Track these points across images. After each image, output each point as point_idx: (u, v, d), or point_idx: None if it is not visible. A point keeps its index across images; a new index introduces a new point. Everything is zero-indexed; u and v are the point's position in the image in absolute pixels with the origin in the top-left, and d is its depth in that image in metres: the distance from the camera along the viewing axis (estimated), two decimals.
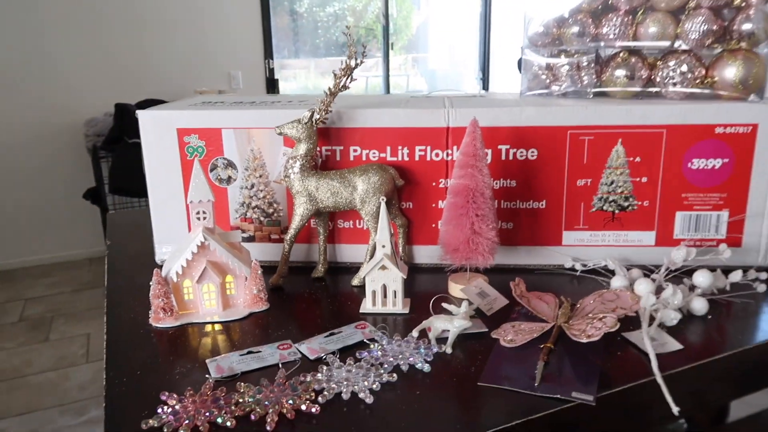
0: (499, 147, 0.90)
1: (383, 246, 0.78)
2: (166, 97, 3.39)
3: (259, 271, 0.81)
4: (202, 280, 0.79)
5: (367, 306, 0.80)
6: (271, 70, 4.10)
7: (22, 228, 3.32)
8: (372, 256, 0.83)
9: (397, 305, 0.80)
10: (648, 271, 0.85)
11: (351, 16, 5.16)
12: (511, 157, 0.90)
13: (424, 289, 0.89)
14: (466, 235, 0.80)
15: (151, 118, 0.93)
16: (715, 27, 0.84)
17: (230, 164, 0.93)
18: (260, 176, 0.94)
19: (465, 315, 0.72)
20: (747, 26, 0.83)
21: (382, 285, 0.80)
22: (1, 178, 3.19)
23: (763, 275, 0.83)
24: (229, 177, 0.94)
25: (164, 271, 0.79)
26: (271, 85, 4.20)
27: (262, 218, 0.96)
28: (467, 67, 5.47)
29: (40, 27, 3.22)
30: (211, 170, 0.94)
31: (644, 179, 0.89)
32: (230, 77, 3.97)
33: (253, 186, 0.94)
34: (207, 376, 0.64)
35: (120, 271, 0.98)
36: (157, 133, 0.93)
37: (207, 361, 0.68)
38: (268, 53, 4.12)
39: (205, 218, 0.79)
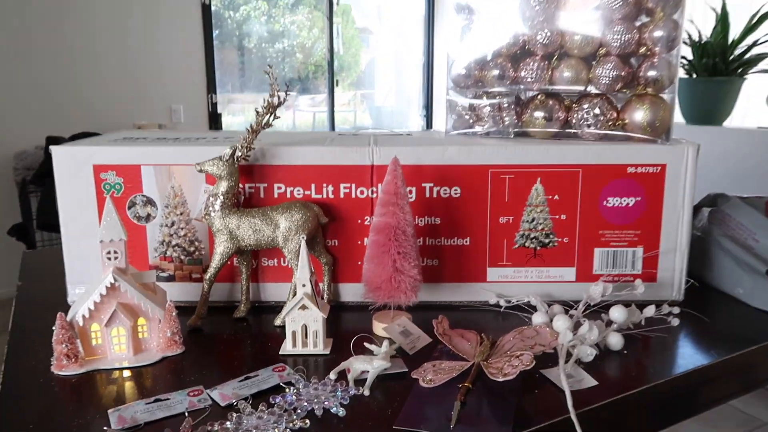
0: (423, 185, 0.90)
1: (303, 285, 0.77)
2: (102, 130, 3.29)
3: (174, 313, 0.78)
4: (111, 323, 0.76)
5: (287, 347, 0.78)
6: (214, 105, 4.06)
7: None
8: (293, 295, 0.81)
9: (318, 346, 0.78)
10: (568, 306, 0.86)
11: (300, 53, 5.21)
12: (435, 195, 0.91)
13: (349, 328, 0.88)
14: (389, 273, 0.80)
15: (65, 154, 0.89)
16: (623, 73, 0.88)
17: (149, 201, 0.91)
18: (181, 214, 0.91)
19: (385, 355, 0.71)
20: (652, 73, 0.88)
21: (302, 325, 0.78)
22: None
23: (675, 309, 0.86)
24: (149, 215, 0.91)
25: (70, 314, 0.75)
26: (214, 120, 4.16)
27: (182, 257, 0.93)
28: (412, 105, 5.59)
29: None
30: (129, 207, 0.91)
31: (563, 216, 0.92)
32: (171, 111, 3.91)
33: (173, 224, 0.91)
34: (105, 429, 0.60)
35: (27, 314, 0.93)
36: (72, 170, 0.89)
37: (109, 411, 0.64)
38: (212, 87, 4.09)
39: (116, 258, 0.76)
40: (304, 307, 0.77)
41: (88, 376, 0.73)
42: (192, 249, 0.92)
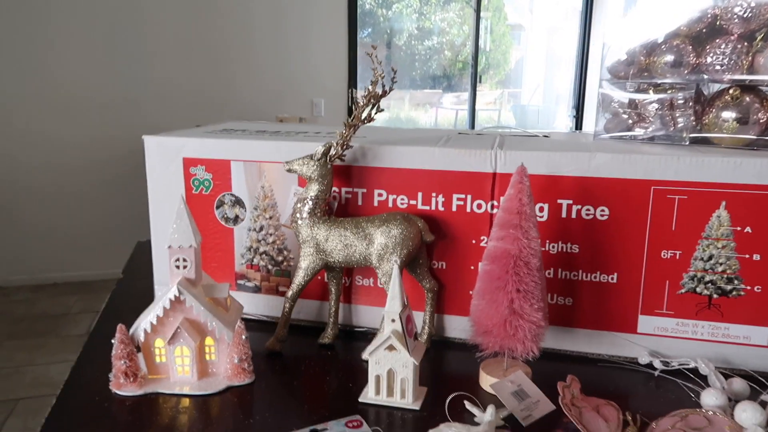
0: (559, 201, 0.71)
1: (393, 320, 0.62)
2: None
3: (244, 336, 0.66)
4: (175, 341, 0.66)
5: (368, 394, 0.63)
6: (353, 99, 4.06)
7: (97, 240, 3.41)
8: None
9: (407, 397, 0.62)
10: (756, 384, 0.62)
11: (449, 50, 5.08)
12: (574, 215, 0.71)
13: (451, 374, 0.71)
14: (503, 315, 0.62)
15: (156, 144, 0.82)
16: None
17: (238, 201, 0.81)
18: (270, 218, 0.80)
19: (489, 427, 0.54)
20: None
21: (388, 370, 0.62)
22: (88, 189, 3.30)
23: None
24: (237, 216, 0.81)
25: (134, 326, 0.66)
26: (351, 114, 4.16)
27: (270, 266, 0.82)
28: (560, 104, 5.21)
29: (127, 51, 3.34)
30: (218, 207, 0.82)
31: (756, 257, 0.67)
32: (312, 104, 3.97)
33: (261, 228, 0.81)
34: None
35: (115, 314, 0.87)
36: (163, 162, 0.82)
37: None
38: (352, 83, 4.09)
39: (185, 267, 0.66)
40: (391, 348, 0.62)
41: (145, 400, 0.64)
42: (280, 258, 0.81)
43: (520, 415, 0.60)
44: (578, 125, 4.87)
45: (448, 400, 0.60)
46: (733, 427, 0.54)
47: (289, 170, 0.73)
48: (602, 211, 0.70)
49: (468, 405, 0.59)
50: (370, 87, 0.69)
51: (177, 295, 0.65)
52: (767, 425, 0.53)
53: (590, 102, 4.74)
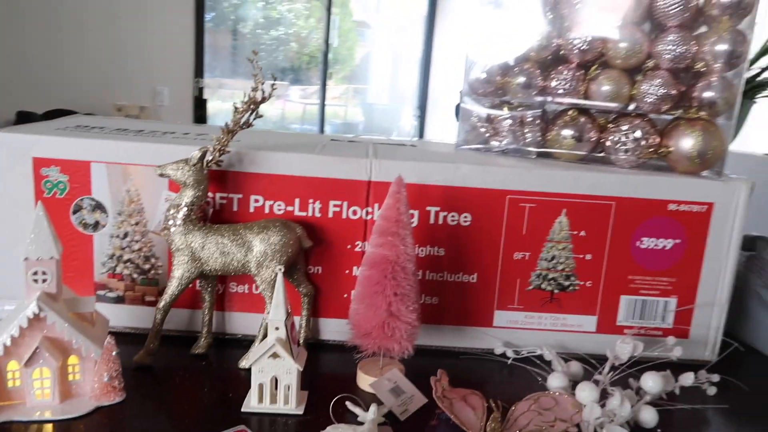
0: (428, 209, 0.76)
1: (277, 328, 0.62)
2: (80, 108, 3.10)
3: (114, 353, 0.63)
4: (33, 362, 0.60)
5: (251, 403, 0.64)
6: (200, 89, 3.88)
7: None
8: (264, 337, 0.67)
9: (291, 403, 0.64)
10: (586, 363, 0.73)
11: (295, 42, 5.05)
12: (441, 221, 0.77)
13: (328, 375, 0.74)
14: (381, 318, 0.66)
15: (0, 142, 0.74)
16: (673, 92, 0.75)
17: (99, 206, 0.75)
18: (136, 224, 0.76)
19: (372, 425, 0.57)
20: (708, 94, 0.75)
21: (272, 377, 0.63)
22: None
23: (714, 377, 0.72)
24: (97, 222, 0.76)
25: None
26: (200, 105, 3.98)
27: (135, 275, 0.77)
28: (405, 104, 5.45)
29: None
30: (75, 212, 0.75)
31: (588, 256, 0.78)
32: (155, 93, 3.72)
33: (126, 235, 0.76)
34: None
35: None
36: (7, 161, 0.74)
37: None
38: (199, 71, 3.91)
39: (45, 281, 0.61)
40: (275, 356, 0.63)
41: None
42: (147, 267, 0.77)
43: (397, 411, 0.64)
44: (421, 125, 5.14)
45: (332, 402, 0.62)
46: (576, 405, 0.63)
47: (161, 175, 0.70)
48: (465, 217, 0.77)
49: (350, 405, 0.62)
50: (251, 92, 0.69)
51: (36, 312, 0.59)
52: (599, 399, 0.64)
53: (432, 104, 5.03)
